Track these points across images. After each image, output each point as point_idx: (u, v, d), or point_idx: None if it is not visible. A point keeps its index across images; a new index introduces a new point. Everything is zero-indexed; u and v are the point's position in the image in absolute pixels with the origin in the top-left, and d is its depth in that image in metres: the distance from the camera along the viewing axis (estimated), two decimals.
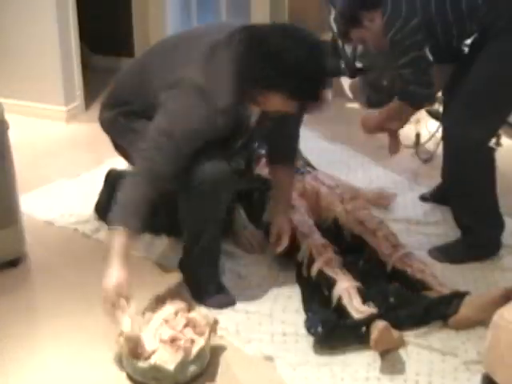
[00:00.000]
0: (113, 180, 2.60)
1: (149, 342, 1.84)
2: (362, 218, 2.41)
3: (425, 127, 3.43)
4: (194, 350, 1.84)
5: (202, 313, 1.98)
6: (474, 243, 2.48)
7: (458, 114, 2.38)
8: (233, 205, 2.45)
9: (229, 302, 2.19)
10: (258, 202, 2.60)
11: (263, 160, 2.74)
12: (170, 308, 1.97)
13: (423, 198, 2.94)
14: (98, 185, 2.75)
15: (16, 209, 2.37)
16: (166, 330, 1.88)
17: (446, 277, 2.27)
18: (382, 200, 2.83)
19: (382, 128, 2.65)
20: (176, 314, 1.95)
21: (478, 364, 1.89)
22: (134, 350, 1.80)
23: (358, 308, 2.01)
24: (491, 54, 2.34)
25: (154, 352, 1.82)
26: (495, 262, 2.45)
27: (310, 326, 2.00)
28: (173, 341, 1.85)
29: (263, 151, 2.79)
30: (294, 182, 2.45)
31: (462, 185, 2.45)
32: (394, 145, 2.72)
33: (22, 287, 2.33)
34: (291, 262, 2.34)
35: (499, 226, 2.49)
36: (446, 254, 2.48)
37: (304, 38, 1.89)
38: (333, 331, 1.97)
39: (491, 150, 2.45)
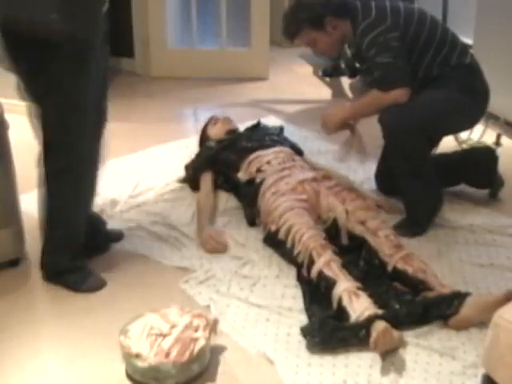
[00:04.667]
0: None
1: (149, 343, 1.85)
2: (363, 218, 2.41)
3: None
4: (195, 349, 1.84)
5: (202, 313, 1.98)
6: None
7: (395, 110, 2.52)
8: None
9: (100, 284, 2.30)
10: (250, 199, 2.64)
11: (254, 154, 2.78)
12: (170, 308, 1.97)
13: None
14: (98, 184, 2.74)
15: (16, 209, 2.37)
16: (167, 330, 1.88)
17: (446, 277, 2.28)
18: (388, 209, 2.81)
19: (345, 125, 2.73)
20: (176, 314, 1.95)
21: (474, 368, 1.89)
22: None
23: (357, 309, 2.01)
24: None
25: (154, 352, 1.83)
26: (493, 261, 2.45)
27: (306, 333, 2.01)
28: (173, 341, 1.84)
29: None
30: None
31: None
32: (359, 139, 2.79)
33: (22, 287, 2.32)
34: (293, 262, 2.35)
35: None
36: (409, 228, 2.62)
37: None
38: (331, 335, 1.97)
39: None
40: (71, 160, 2.16)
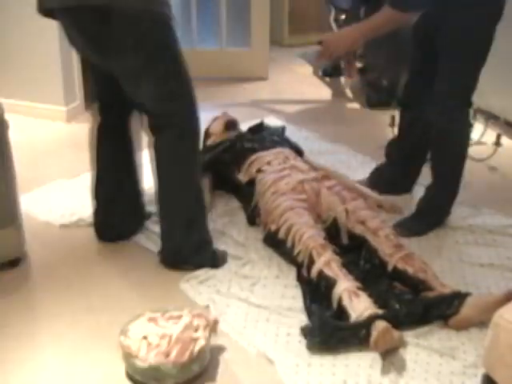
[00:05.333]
0: None
1: (149, 343, 1.85)
2: (364, 218, 2.41)
3: None
4: (195, 349, 1.84)
5: (202, 313, 1.98)
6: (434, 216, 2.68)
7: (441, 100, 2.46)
8: None
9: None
10: (251, 199, 2.65)
11: (255, 155, 2.77)
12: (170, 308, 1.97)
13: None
14: None
15: (16, 209, 2.37)
16: (167, 330, 1.88)
17: (446, 277, 2.28)
18: (389, 209, 2.81)
19: (348, 51, 2.62)
20: (176, 314, 1.95)
21: (474, 368, 1.90)
22: None
23: (357, 309, 2.01)
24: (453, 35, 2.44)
25: (154, 352, 1.83)
26: (493, 261, 2.45)
27: (306, 333, 2.01)
28: (173, 341, 1.85)
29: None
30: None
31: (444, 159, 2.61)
32: (353, 68, 2.76)
33: (22, 287, 2.32)
34: (293, 262, 2.35)
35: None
36: (409, 228, 2.61)
37: None
38: (331, 335, 1.98)
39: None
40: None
